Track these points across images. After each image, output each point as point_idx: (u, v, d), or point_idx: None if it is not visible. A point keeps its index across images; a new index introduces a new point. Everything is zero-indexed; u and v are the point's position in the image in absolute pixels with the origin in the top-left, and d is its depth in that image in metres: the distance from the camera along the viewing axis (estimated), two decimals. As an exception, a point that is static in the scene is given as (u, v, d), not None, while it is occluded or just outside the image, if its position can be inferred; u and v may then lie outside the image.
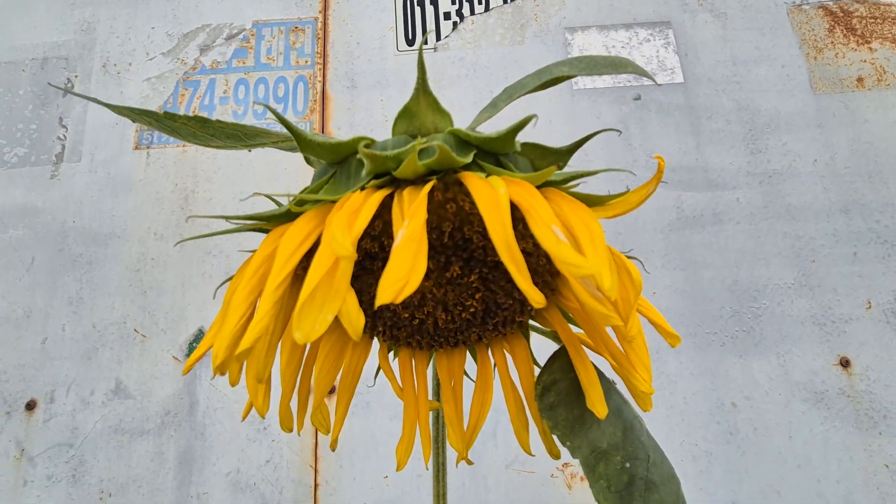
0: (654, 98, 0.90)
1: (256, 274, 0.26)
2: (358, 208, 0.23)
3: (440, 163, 0.25)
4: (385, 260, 0.27)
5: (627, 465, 0.29)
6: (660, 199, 0.83)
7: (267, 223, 0.29)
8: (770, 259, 0.82)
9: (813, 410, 0.76)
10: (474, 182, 0.24)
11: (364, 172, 0.26)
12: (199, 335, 0.81)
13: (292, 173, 0.90)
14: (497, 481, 0.76)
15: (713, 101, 0.89)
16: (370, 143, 0.28)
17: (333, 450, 0.40)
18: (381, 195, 0.24)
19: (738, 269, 0.82)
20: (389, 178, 0.26)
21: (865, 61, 0.88)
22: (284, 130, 0.36)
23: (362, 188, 0.26)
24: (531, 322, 0.39)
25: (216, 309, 0.81)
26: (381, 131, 0.82)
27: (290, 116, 0.88)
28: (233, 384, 0.26)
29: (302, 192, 0.29)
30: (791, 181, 0.85)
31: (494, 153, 0.28)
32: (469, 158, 0.26)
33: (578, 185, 0.29)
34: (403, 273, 0.20)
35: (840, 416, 0.75)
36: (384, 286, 0.20)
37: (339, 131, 0.88)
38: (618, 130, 0.29)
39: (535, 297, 0.22)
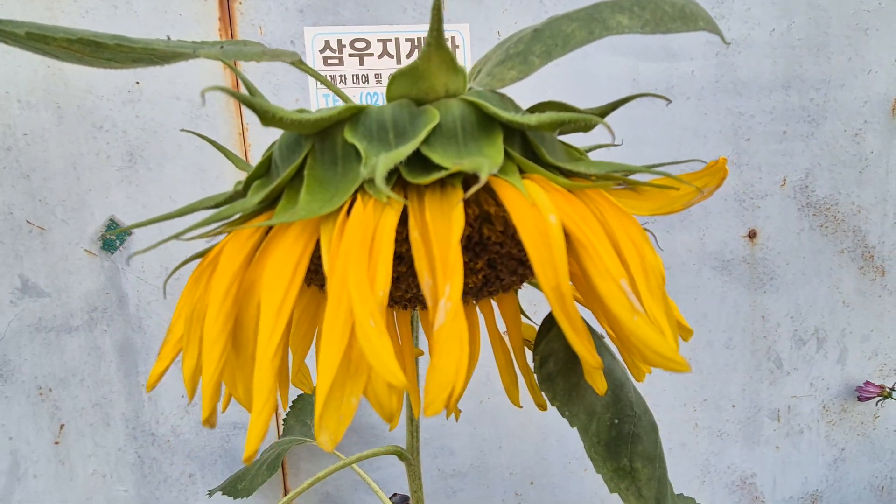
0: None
1: (227, 298, 0.21)
2: (369, 245, 0.18)
3: (473, 170, 0.20)
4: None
5: (616, 421, 0.31)
6: (614, 69, 0.78)
7: (221, 226, 0.23)
8: (710, 136, 0.83)
9: (718, 276, 0.86)
10: (514, 201, 0.19)
11: (365, 171, 0.20)
12: (112, 225, 0.71)
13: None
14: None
15: (687, -50, 0.79)
16: (359, 112, 0.22)
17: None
18: (394, 216, 0.19)
19: (679, 146, 0.83)
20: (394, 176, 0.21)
21: None
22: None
23: (361, 191, 0.20)
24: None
25: (124, 194, 0.70)
26: (295, 20, 0.64)
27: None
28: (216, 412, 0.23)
29: (255, 186, 0.23)
30: (745, 52, 0.82)
31: (522, 129, 0.23)
32: (500, 157, 0.21)
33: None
34: (451, 371, 0.17)
35: (738, 280, 0.87)
36: (434, 393, 0.17)
37: (252, 28, 0.68)
38: (666, 98, 0.25)
39: (593, 362, 0.20)
